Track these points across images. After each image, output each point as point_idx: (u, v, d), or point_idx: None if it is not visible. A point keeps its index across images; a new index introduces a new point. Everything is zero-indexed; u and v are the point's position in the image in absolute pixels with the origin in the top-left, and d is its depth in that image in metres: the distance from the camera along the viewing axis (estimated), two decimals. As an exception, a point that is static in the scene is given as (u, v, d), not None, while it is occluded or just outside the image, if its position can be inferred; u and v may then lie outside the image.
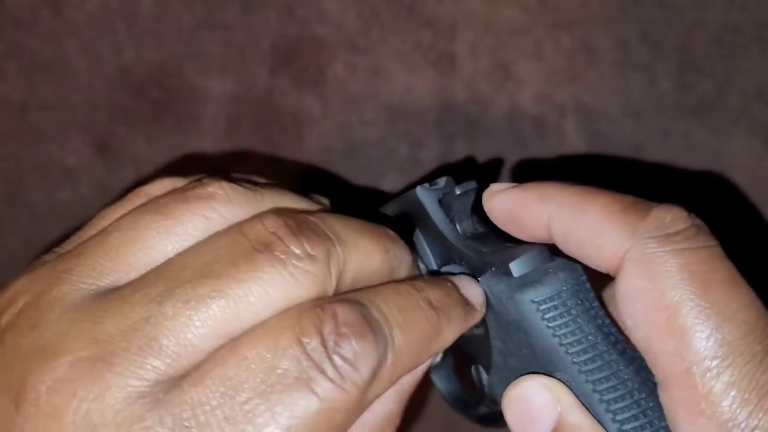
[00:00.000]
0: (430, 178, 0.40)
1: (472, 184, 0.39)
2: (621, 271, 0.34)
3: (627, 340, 0.35)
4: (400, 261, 0.37)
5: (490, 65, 0.56)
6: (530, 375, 0.36)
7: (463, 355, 0.40)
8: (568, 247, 0.36)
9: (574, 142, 0.56)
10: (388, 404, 0.36)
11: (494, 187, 0.39)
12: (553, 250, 0.37)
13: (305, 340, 0.31)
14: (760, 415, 0.31)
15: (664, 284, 0.33)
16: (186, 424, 0.30)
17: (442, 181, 0.40)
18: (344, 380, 0.31)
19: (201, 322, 0.31)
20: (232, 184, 0.35)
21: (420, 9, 0.56)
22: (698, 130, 0.55)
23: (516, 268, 0.36)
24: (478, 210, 0.39)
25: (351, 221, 0.36)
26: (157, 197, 0.36)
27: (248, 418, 0.30)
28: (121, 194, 0.38)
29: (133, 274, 0.33)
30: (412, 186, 0.40)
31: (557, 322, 0.35)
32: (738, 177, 0.55)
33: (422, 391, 0.53)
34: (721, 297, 0.33)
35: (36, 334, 0.32)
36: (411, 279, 0.37)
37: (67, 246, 0.36)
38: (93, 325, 0.31)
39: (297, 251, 0.33)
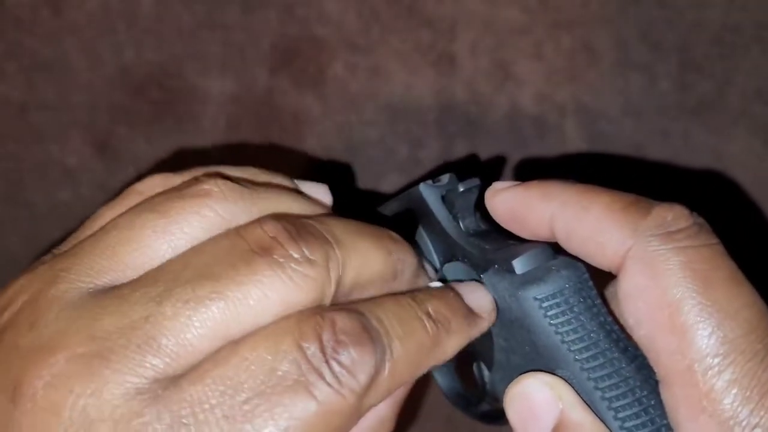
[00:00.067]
0: (433, 175, 0.40)
1: (475, 182, 0.39)
2: (623, 268, 0.34)
3: (629, 337, 0.35)
4: (404, 263, 0.37)
5: (490, 65, 0.56)
6: (532, 372, 0.36)
7: (465, 352, 0.40)
8: (570, 245, 0.36)
9: (574, 142, 0.56)
10: (380, 408, 0.36)
11: (497, 185, 0.39)
12: (555, 249, 0.37)
13: (305, 345, 0.31)
14: (762, 413, 0.32)
15: (666, 282, 0.33)
16: (184, 421, 0.30)
17: (445, 178, 0.40)
18: (342, 386, 0.31)
19: (200, 323, 0.31)
20: (227, 181, 0.35)
21: (420, 9, 0.56)
22: (698, 130, 0.55)
23: (519, 265, 0.36)
24: (481, 207, 0.40)
25: (351, 224, 0.36)
26: (154, 196, 0.36)
27: (247, 417, 0.30)
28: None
29: (130, 273, 0.33)
30: (413, 184, 0.40)
31: (559, 320, 0.35)
32: (738, 177, 0.55)
33: (422, 389, 0.54)
34: (722, 295, 0.33)
35: (34, 332, 0.32)
36: (412, 291, 0.37)
37: (65, 247, 0.36)
38: (91, 322, 0.31)
39: (296, 255, 0.33)
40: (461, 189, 0.39)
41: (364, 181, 0.57)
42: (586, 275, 0.36)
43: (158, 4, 0.57)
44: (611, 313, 0.36)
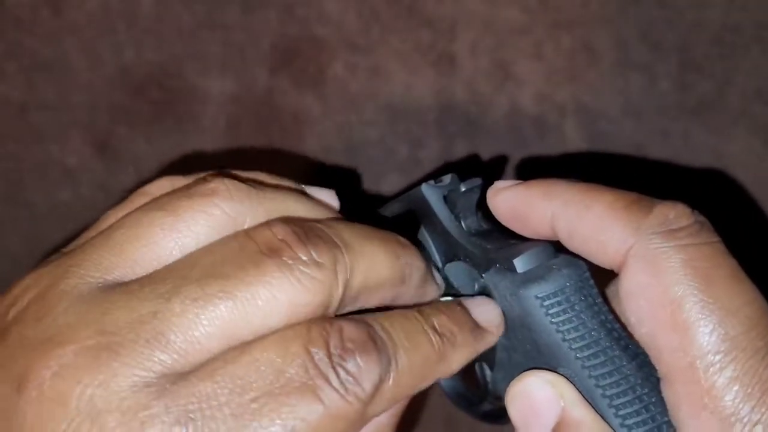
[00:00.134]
0: (430, 178, 0.40)
1: (476, 181, 0.40)
2: (625, 267, 0.34)
3: (630, 336, 0.35)
4: (412, 267, 0.37)
5: (490, 65, 0.56)
6: (533, 371, 0.36)
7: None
8: (572, 244, 0.36)
9: (574, 142, 0.56)
10: (380, 416, 0.36)
11: (499, 184, 0.39)
12: (557, 247, 0.37)
13: (313, 350, 0.31)
14: (763, 409, 0.32)
15: (668, 280, 0.33)
16: (191, 416, 0.30)
17: (447, 179, 0.40)
18: (347, 391, 0.31)
19: (208, 321, 0.31)
20: (234, 181, 0.36)
21: (420, 9, 0.56)
22: (698, 130, 0.55)
23: (520, 264, 0.36)
24: (482, 207, 0.40)
25: (360, 228, 0.36)
26: (161, 195, 0.36)
27: (255, 416, 0.30)
28: (121, 194, 0.39)
29: (138, 270, 0.34)
30: (414, 185, 0.40)
31: (561, 318, 0.35)
32: (738, 177, 0.55)
33: (423, 391, 0.53)
34: (724, 292, 0.33)
35: (42, 325, 0.32)
36: (420, 305, 0.37)
37: (72, 247, 0.36)
38: (100, 316, 0.31)
39: (304, 258, 0.33)
40: (463, 189, 0.39)
41: (365, 181, 0.57)
42: (587, 273, 0.36)
43: (158, 4, 0.57)
44: (612, 311, 0.36)
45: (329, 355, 0.31)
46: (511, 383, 0.36)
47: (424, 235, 0.41)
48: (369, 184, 0.57)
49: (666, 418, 0.34)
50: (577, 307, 0.35)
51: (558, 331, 0.35)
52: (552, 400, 0.35)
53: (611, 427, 0.34)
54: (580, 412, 0.34)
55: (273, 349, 0.31)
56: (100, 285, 0.33)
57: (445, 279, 0.40)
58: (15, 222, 0.59)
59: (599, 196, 0.36)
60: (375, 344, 0.33)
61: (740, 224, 0.55)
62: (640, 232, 0.34)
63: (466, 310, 0.37)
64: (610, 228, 0.35)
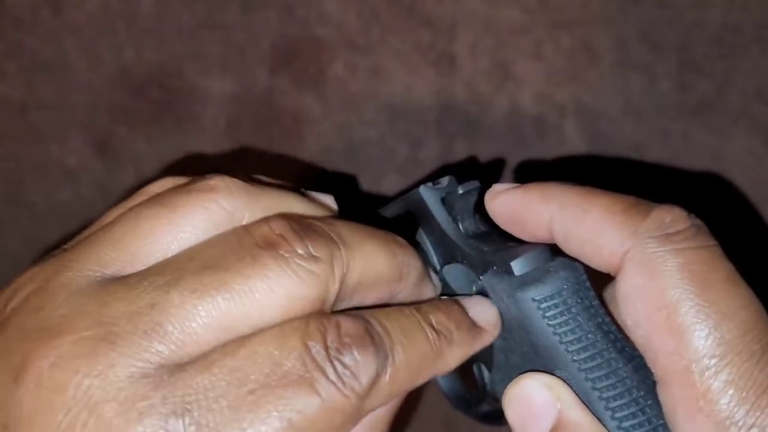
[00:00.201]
0: (430, 178, 0.41)
1: (474, 184, 0.40)
2: (621, 270, 0.34)
3: (626, 338, 0.35)
4: (409, 266, 0.37)
5: (490, 65, 0.56)
6: (530, 373, 0.36)
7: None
8: (569, 247, 0.36)
9: (574, 142, 0.56)
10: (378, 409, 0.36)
11: (496, 187, 0.39)
12: (554, 250, 0.37)
13: (310, 343, 0.32)
14: (758, 413, 0.32)
15: (664, 283, 0.33)
16: (188, 407, 0.30)
17: (445, 181, 0.40)
18: (345, 385, 0.31)
19: (205, 312, 0.32)
20: (233, 178, 0.36)
21: (420, 9, 0.56)
22: (698, 130, 0.55)
23: (517, 266, 0.36)
24: (480, 209, 0.40)
25: (357, 226, 0.36)
26: (161, 192, 0.37)
27: (251, 408, 0.30)
28: (121, 194, 0.39)
29: (137, 264, 0.34)
30: (413, 186, 0.40)
31: (558, 321, 0.35)
32: (738, 177, 0.55)
33: (420, 391, 0.54)
34: (720, 296, 0.33)
35: (41, 316, 0.32)
36: (418, 302, 0.38)
37: (73, 243, 0.37)
38: (98, 307, 0.32)
39: (301, 251, 0.33)
40: (461, 191, 0.39)
41: (364, 181, 0.57)
42: (584, 276, 0.36)
43: (158, 4, 0.57)
44: (609, 314, 0.36)
45: (326, 349, 0.31)
46: (509, 386, 0.36)
47: (422, 237, 0.41)
48: (369, 184, 0.57)
49: (662, 421, 0.34)
50: (573, 310, 0.35)
51: (555, 334, 0.35)
52: (549, 403, 0.35)
53: (608, 430, 0.34)
54: (577, 414, 0.35)
55: (271, 342, 0.32)
56: (98, 278, 0.33)
57: (443, 281, 0.40)
58: (15, 222, 0.59)
59: (596, 200, 0.36)
60: (372, 339, 0.33)
61: (738, 226, 0.55)
62: (637, 236, 0.34)
63: (463, 309, 0.38)
64: (607, 231, 0.35)
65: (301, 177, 0.57)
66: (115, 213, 0.37)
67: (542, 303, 0.35)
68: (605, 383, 0.34)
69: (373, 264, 0.36)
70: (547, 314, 0.35)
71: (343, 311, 0.34)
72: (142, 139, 0.58)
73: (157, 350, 0.31)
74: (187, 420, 0.30)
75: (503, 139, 0.56)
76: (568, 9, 0.55)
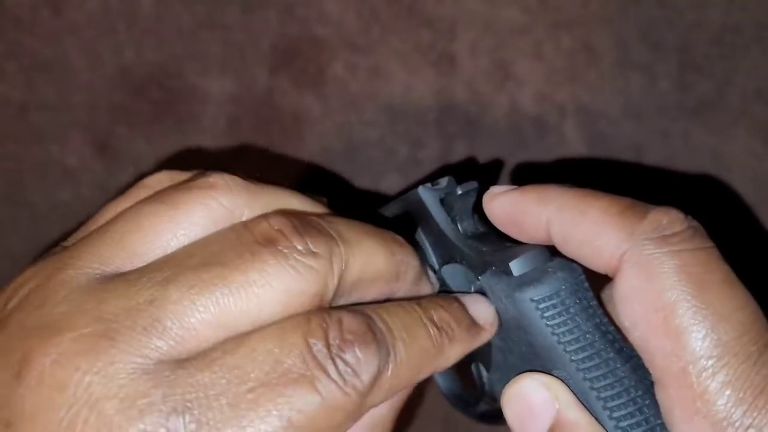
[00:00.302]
0: (430, 179, 0.41)
1: (473, 185, 0.40)
2: (619, 272, 0.34)
3: (624, 339, 0.35)
4: (407, 265, 0.38)
5: (490, 65, 0.56)
6: (529, 373, 0.36)
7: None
8: (567, 249, 0.36)
9: (574, 142, 0.56)
10: (379, 408, 0.36)
11: (494, 189, 0.39)
12: (552, 251, 0.37)
13: (312, 341, 0.31)
14: (755, 414, 0.32)
15: (661, 285, 0.33)
16: (188, 405, 0.30)
17: (443, 181, 0.40)
18: (346, 383, 0.31)
19: (204, 307, 0.32)
20: (233, 176, 0.36)
21: (420, 9, 0.56)
22: (698, 130, 0.55)
23: (516, 267, 0.36)
24: (478, 210, 0.40)
25: (357, 224, 0.36)
26: (161, 189, 0.37)
27: (251, 406, 0.30)
28: (121, 194, 0.39)
29: (137, 261, 0.34)
30: (413, 186, 0.40)
31: (556, 321, 0.35)
32: (738, 177, 0.55)
33: (421, 390, 0.54)
34: (717, 298, 0.33)
35: (41, 313, 0.32)
36: (418, 298, 0.38)
37: (73, 240, 0.37)
38: (98, 304, 0.32)
39: (300, 247, 0.33)
40: (459, 192, 0.39)
41: (364, 181, 0.57)
42: (582, 277, 0.36)
43: (158, 4, 0.57)
44: (607, 314, 0.36)
45: (328, 347, 0.31)
46: (507, 386, 0.36)
47: (421, 237, 0.41)
48: (369, 184, 0.57)
49: (660, 421, 0.34)
50: (572, 310, 0.35)
51: (553, 334, 0.35)
52: (547, 403, 0.35)
53: (606, 430, 0.34)
54: (575, 414, 0.35)
55: (271, 339, 0.32)
56: (98, 275, 0.33)
57: (442, 281, 0.41)
58: (15, 222, 0.59)
59: (594, 202, 0.36)
60: (374, 335, 0.33)
61: (738, 227, 0.55)
62: (634, 238, 0.34)
63: (462, 306, 0.38)
64: (605, 233, 0.35)
65: (301, 177, 0.57)
66: (112, 207, 0.37)
67: (540, 303, 0.35)
68: (603, 383, 0.34)
69: (371, 261, 0.36)
70: (546, 314, 0.35)
71: (343, 307, 0.34)
72: (142, 139, 0.58)
73: (157, 346, 0.31)
74: (187, 418, 0.30)
75: (503, 139, 0.56)
76: (568, 9, 0.55)
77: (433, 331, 0.35)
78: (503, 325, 0.37)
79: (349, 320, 0.32)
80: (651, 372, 0.34)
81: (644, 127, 0.56)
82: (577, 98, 0.56)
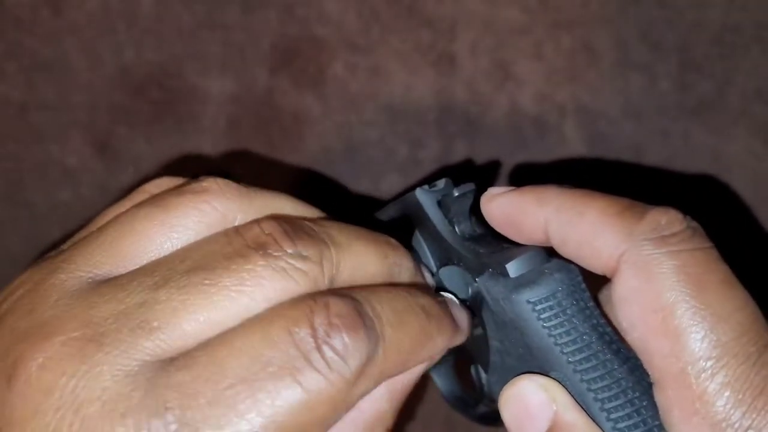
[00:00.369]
0: (429, 179, 0.41)
1: (470, 186, 0.40)
2: (617, 272, 0.34)
3: (622, 340, 0.35)
4: (401, 267, 0.37)
5: (490, 65, 0.56)
6: (526, 375, 0.36)
7: (463, 354, 0.40)
8: (565, 250, 0.36)
9: (573, 142, 0.56)
10: (380, 403, 0.36)
11: (492, 190, 0.39)
12: (549, 252, 0.37)
13: (295, 329, 0.31)
14: (754, 415, 0.32)
15: (660, 286, 0.33)
16: (168, 405, 0.30)
17: (441, 183, 0.40)
18: (331, 371, 0.31)
19: (193, 308, 0.32)
20: (226, 180, 0.36)
21: (420, 9, 0.56)
22: (698, 130, 0.55)
23: (513, 268, 0.36)
24: (476, 211, 0.40)
25: (348, 227, 0.36)
26: (156, 194, 0.37)
27: (230, 404, 0.30)
28: (121, 194, 0.39)
29: (129, 265, 0.34)
30: (412, 187, 0.40)
31: (553, 322, 0.35)
32: (738, 177, 0.55)
33: (422, 390, 0.54)
34: (716, 298, 0.33)
35: (31, 317, 0.32)
36: (407, 286, 0.37)
37: (69, 244, 0.37)
38: (87, 308, 0.32)
39: (290, 251, 0.33)
40: (456, 194, 0.39)
41: (364, 181, 0.57)
42: (579, 278, 0.36)
43: (158, 4, 0.57)
44: (604, 315, 0.36)
45: (314, 334, 0.31)
46: (504, 387, 0.36)
47: (419, 239, 0.41)
48: (369, 184, 0.57)
49: (657, 422, 0.34)
50: (569, 312, 0.35)
51: (550, 335, 0.35)
52: (544, 404, 0.35)
53: (603, 431, 0.34)
54: (572, 415, 0.34)
55: (252, 333, 0.31)
56: (90, 280, 0.33)
57: (439, 283, 0.41)
58: (15, 222, 0.59)
59: (592, 202, 0.36)
60: (363, 320, 0.32)
61: (738, 228, 0.55)
62: (633, 238, 0.34)
63: (445, 302, 0.38)
64: (603, 234, 0.35)
65: (300, 177, 0.57)
66: (111, 212, 0.37)
67: (537, 305, 0.35)
68: (601, 384, 0.34)
69: (363, 264, 0.35)
70: (543, 316, 0.35)
71: (331, 291, 0.34)
72: (142, 139, 0.58)
73: (143, 347, 0.31)
74: (168, 418, 0.30)
75: (503, 139, 0.56)
76: (568, 9, 0.55)
77: (422, 317, 0.35)
78: (500, 326, 0.37)
79: (336, 304, 0.32)
80: (649, 373, 0.34)
81: (644, 127, 0.56)
82: (577, 98, 0.56)
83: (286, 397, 0.30)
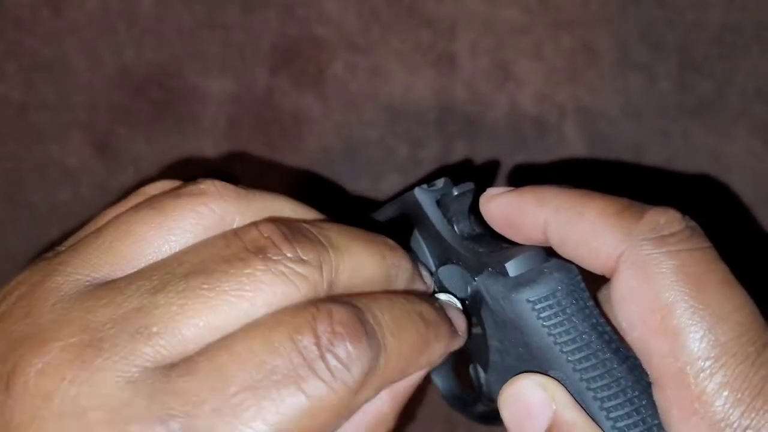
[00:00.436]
0: (429, 179, 0.41)
1: (469, 186, 0.40)
2: (616, 272, 0.34)
3: (621, 339, 0.35)
4: (399, 268, 0.37)
5: (490, 65, 0.56)
6: (525, 374, 0.36)
7: (462, 354, 0.40)
8: (564, 250, 0.36)
9: (573, 142, 0.56)
10: (381, 406, 0.36)
11: (491, 191, 0.39)
12: (548, 251, 0.37)
13: (298, 337, 0.31)
14: (752, 414, 0.32)
15: (659, 285, 0.33)
16: (173, 412, 0.30)
17: (440, 182, 0.40)
18: (335, 379, 0.31)
19: (192, 312, 0.31)
20: (224, 182, 0.36)
21: (420, 9, 0.56)
22: (698, 130, 0.55)
23: (512, 268, 0.36)
24: (475, 211, 0.40)
25: (346, 229, 0.36)
26: (153, 196, 0.37)
27: (235, 411, 0.30)
28: (121, 194, 0.39)
29: (127, 268, 0.34)
30: (411, 187, 0.40)
31: (552, 321, 0.35)
32: (738, 177, 0.55)
33: (423, 391, 0.54)
34: (714, 298, 0.33)
35: (28, 321, 0.32)
36: (404, 292, 0.38)
37: (67, 245, 0.37)
38: (85, 313, 0.32)
39: (289, 255, 0.33)
40: (456, 193, 0.39)
41: (364, 181, 0.57)
42: (579, 277, 0.36)
43: (158, 4, 0.57)
44: (604, 314, 0.36)
45: (317, 342, 0.31)
46: (504, 386, 0.36)
47: (418, 239, 0.41)
48: (369, 184, 0.57)
49: (657, 421, 0.34)
50: (568, 311, 0.35)
51: (550, 334, 0.35)
52: (544, 403, 0.35)
53: (603, 430, 0.34)
54: (571, 414, 0.35)
55: (255, 340, 0.31)
56: (87, 283, 0.33)
57: (439, 282, 0.41)
58: (15, 222, 0.59)
59: (591, 203, 0.36)
60: (365, 328, 0.32)
61: (737, 227, 0.55)
62: (631, 238, 0.34)
63: (443, 308, 0.38)
64: (602, 234, 0.35)
65: (300, 178, 0.57)
66: (109, 214, 0.37)
67: (537, 304, 0.35)
68: (600, 383, 0.34)
69: (362, 266, 0.35)
70: (542, 315, 0.35)
71: (332, 298, 0.34)
72: (142, 139, 0.58)
73: (143, 353, 0.31)
74: (172, 426, 0.29)
75: (503, 139, 0.56)
76: (568, 9, 0.55)
77: (420, 324, 0.35)
78: (500, 326, 0.37)
79: (339, 312, 0.32)
80: (648, 373, 0.34)
81: (644, 127, 0.56)
82: (577, 98, 0.56)
83: (290, 404, 0.30)
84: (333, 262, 0.34)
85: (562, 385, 0.35)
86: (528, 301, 0.35)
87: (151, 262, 0.34)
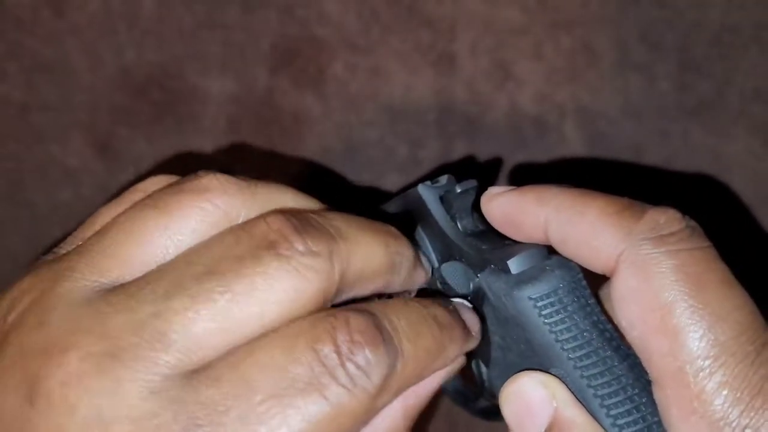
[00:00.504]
0: (429, 178, 0.41)
1: (472, 183, 0.40)
2: (616, 272, 0.34)
3: (622, 337, 0.35)
4: (402, 256, 0.37)
5: (490, 65, 0.56)
6: (526, 371, 0.36)
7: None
8: (564, 249, 0.36)
9: (573, 142, 0.56)
10: (395, 419, 0.36)
11: (492, 190, 0.39)
12: (550, 249, 0.37)
13: (318, 346, 0.31)
14: (752, 413, 0.32)
15: (659, 285, 0.33)
16: (199, 422, 0.30)
17: (443, 179, 0.40)
18: (355, 386, 0.31)
19: (209, 316, 0.31)
20: (226, 175, 0.36)
21: (420, 9, 0.56)
22: (698, 130, 0.55)
23: (514, 265, 0.36)
24: (478, 208, 0.40)
25: (353, 219, 0.36)
26: (153, 192, 0.36)
27: (261, 419, 0.30)
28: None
29: (135, 271, 0.34)
30: (412, 186, 0.40)
31: (553, 319, 0.35)
32: (737, 177, 0.55)
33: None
34: (714, 297, 0.33)
35: (43, 331, 0.32)
36: (418, 298, 0.38)
37: (66, 246, 0.36)
38: (101, 320, 0.31)
39: (300, 248, 0.33)
40: (459, 190, 0.39)
41: (364, 181, 0.57)
42: (580, 275, 0.36)
43: (159, 5, 0.57)
44: (605, 312, 0.36)
45: (337, 351, 0.31)
46: (505, 384, 0.36)
47: (421, 235, 0.41)
48: (369, 184, 0.58)
49: (656, 419, 0.34)
50: (569, 308, 0.35)
51: (551, 332, 0.35)
52: (545, 401, 0.35)
53: (603, 427, 0.34)
54: (572, 412, 0.35)
55: (277, 349, 0.31)
56: (97, 288, 0.33)
57: (441, 278, 0.41)
58: (16, 222, 0.59)
59: (591, 202, 0.36)
60: (382, 335, 0.33)
61: (737, 227, 0.55)
62: (631, 238, 0.34)
63: (456, 310, 0.38)
64: (602, 233, 0.35)
65: (300, 176, 0.57)
66: (106, 212, 0.37)
67: (538, 301, 0.35)
68: (600, 381, 0.34)
69: (370, 256, 0.35)
70: (543, 312, 0.35)
71: (347, 305, 0.34)
72: (142, 139, 0.58)
73: (165, 361, 0.30)
74: None
75: (503, 139, 0.56)
76: (568, 9, 0.55)
77: (435, 328, 0.35)
78: (502, 322, 0.38)
79: (356, 320, 0.32)
80: (648, 372, 0.34)
81: (644, 127, 0.56)
82: (577, 98, 0.56)
83: (314, 411, 0.31)
84: (343, 253, 0.34)
85: (563, 382, 0.35)
86: (530, 298, 0.36)
87: (158, 263, 0.34)
